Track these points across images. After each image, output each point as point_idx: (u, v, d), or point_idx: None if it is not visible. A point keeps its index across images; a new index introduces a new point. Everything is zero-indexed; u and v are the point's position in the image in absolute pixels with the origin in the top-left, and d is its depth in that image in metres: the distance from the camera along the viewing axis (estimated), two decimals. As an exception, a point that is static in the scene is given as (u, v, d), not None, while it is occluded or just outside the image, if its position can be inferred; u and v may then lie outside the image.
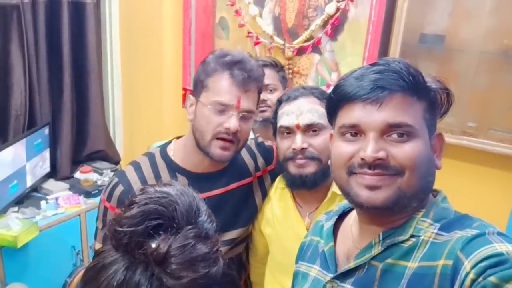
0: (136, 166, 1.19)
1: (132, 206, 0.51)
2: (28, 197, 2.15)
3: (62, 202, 2.12)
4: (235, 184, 1.26)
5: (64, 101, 2.34)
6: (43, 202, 2.10)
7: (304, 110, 1.13)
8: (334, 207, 1.16)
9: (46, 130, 2.25)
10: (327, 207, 1.17)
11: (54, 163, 2.36)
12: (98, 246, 1.20)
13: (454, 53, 1.68)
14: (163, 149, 1.24)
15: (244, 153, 1.31)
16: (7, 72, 2.08)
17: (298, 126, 1.13)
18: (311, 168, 1.12)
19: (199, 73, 1.16)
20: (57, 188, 2.24)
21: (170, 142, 1.26)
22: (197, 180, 1.18)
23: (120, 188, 1.14)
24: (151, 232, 0.49)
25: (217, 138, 1.11)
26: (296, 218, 1.21)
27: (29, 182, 2.13)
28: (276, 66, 1.77)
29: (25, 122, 2.16)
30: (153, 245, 0.48)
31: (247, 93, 1.11)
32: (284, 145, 1.16)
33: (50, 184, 2.30)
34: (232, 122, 1.09)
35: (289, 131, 1.15)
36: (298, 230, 1.20)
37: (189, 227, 0.50)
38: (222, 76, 1.11)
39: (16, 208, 2.01)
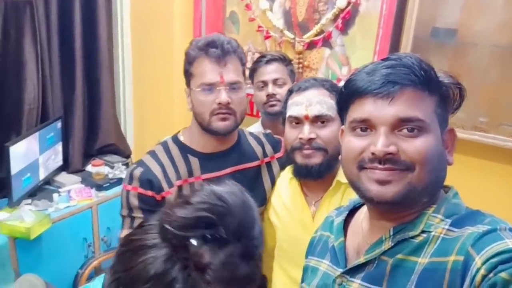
0: (152, 153, 1.27)
1: (186, 206, 0.49)
2: (41, 190, 2.18)
3: (74, 195, 2.14)
4: (243, 165, 1.31)
5: (76, 95, 2.36)
6: (55, 195, 2.12)
7: (313, 101, 1.14)
8: (339, 196, 1.18)
9: (59, 124, 2.27)
10: (332, 195, 1.20)
11: (66, 156, 2.39)
12: (126, 233, 1.26)
13: (466, 47, 1.65)
14: (174, 136, 1.32)
15: (251, 140, 1.37)
16: (21, 66, 2.11)
17: (306, 117, 1.14)
18: (317, 159, 1.14)
19: (184, 65, 1.26)
20: (69, 181, 2.27)
21: (179, 131, 1.34)
22: (208, 160, 1.27)
23: (139, 169, 1.21)
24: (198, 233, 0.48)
25: (215, 114, 1.20)
26: (302, 206, 1.23)
27: (42, 175, 2.16)
28: (284, 60, 1.77)
29: (38, 116, 2.19)
30: (198, 251, 0.47)
31: (227, 66, 1.20)
32: (292, 135, 1.18)
33: (63, 177, 2.32)
34: (222, 96, 1.18)
35: (298, 121, 1.17)
36: (303, 218, 1.22)
37: (238, 244, 0.49)
38: (200, 60, 1.21)
39: (29, 201, 2.04)
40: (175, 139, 1.30)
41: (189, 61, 1.23)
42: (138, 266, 0.48)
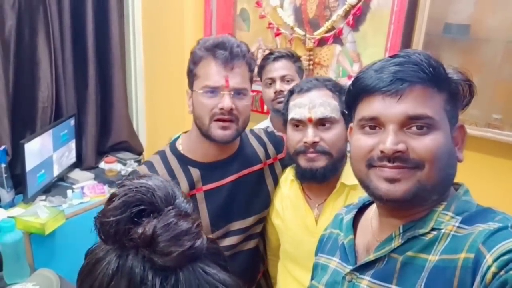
0: (149, 165, 1.21)
1: (113, 199, 0.53)
2: (55, 186, 2.21)
3: (87, 191, 2.17)
4: (246, 170, 1.27)
5: (89, 93, 2.39)
6: (69, 191, 2.15)
7: (316, 103, 1.12)
8: (343, 198, 1.17)
9: (72, 122, 2.30)
10: (336, 198, 1.17)
11: (79, 153, 2.42)
12: None
13: (480, 43, 1.63)
14: (172, 144, 1.26)
15: (253, 141, 1.33)
16: (35, 65, 2.14)
17: (310, 120, 1.12)
18: (321, 162, 1.12)
19: (189, 65, 1.20)
20: (83, 178, 2.30)
21: (178, 137, 1.29)
22: (209, 170, 1.21)
23: None
24: (135, 219, 0.51)
25: (215, 120, 1.14)
26: (305, 209, 1.21)
27: (56, 171, 2.18)
28: (292, 57, 1.76)
29: (52, 113, 2.22)
30: (139, 230, 0.50)
31: (234, 71, 1.13)
32: (295, 138, 1.15)
33: (76, 173, 2.35)
34: (225, 101, 1.12)
35: (300, 124, 1.14)
36: (306, 221, 1.20)
37: (169, 208, 0.53)
38: (207, 61, 1.14)
39: (43, 197, 2.07)
40: (173, 149, 1.24)
41: (194, 61, 1.17)
42: (98, 277, 0.51)
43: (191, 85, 1.20)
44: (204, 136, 1.17)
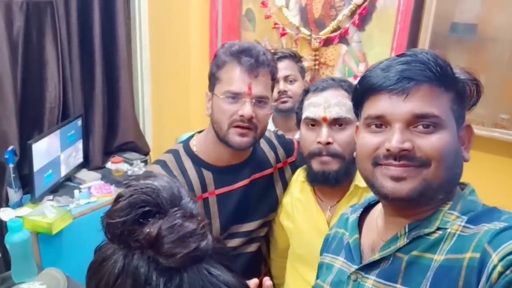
0: (163, 164, 1.20)
1: (119, 200, 0.54)
2: (62, 186, 2.22)
3: (94, 191, 2.18)
4: (257, 174, 1.27)
5: (96, 94, 2.40)
6: (76, 191, 2.16)
7: (332, 103, 1.11)
8: (356, 200, 1.15)
9: (79, 122, 2.31)
10: (349, 200, 1.16)
11: (86, 153, 2.43)
12: None
13: (487, 43, 1.62)
14: (186, 144, 1.25)
15: (264, 145, 1.32)
16: (42, 66, 2.15)
17: (325, 119, 1.11)
18: (334, 166, 1.11)
19: (212, 68, 1.18)
20: (90, 178, 2.31)
21: (192, 136, 1.28)
22: (222, 174, 1.21)
23: None
24: (141, 220, 0.52)
25: (234, 126, 1.13)
26: (317, 212, 1.20)
27: (63, 171, 2.20)
28: (294, 57, 1.77)
29: (59, 114, 2.23)
30: (145, 231, 0.51)
31: (257, 79, 1.12)
32: (309, 138, 1.14)
33: (83, 174, 2.36)
34: (246, 109, 1.11)
35: (315, 123, 1.13)
36: (318, 223, 1.19)
37: (175, 209, 0.53)
38: (231, 66, 1.13)
39: (51, 197, 2.08)
40: (187, 148, 1.23)
41: (218, 65, 1.15)
42: (105, 275, 0.52)
43: (212, 88, 1.18)
44: (221, 141, 1.16)
